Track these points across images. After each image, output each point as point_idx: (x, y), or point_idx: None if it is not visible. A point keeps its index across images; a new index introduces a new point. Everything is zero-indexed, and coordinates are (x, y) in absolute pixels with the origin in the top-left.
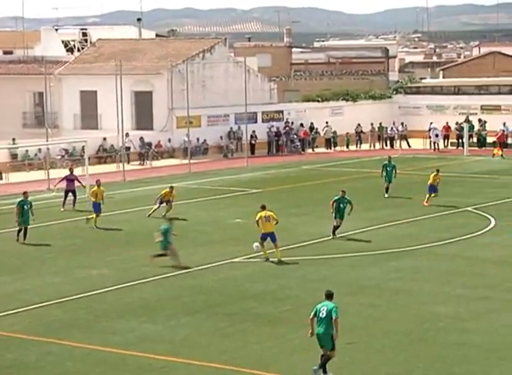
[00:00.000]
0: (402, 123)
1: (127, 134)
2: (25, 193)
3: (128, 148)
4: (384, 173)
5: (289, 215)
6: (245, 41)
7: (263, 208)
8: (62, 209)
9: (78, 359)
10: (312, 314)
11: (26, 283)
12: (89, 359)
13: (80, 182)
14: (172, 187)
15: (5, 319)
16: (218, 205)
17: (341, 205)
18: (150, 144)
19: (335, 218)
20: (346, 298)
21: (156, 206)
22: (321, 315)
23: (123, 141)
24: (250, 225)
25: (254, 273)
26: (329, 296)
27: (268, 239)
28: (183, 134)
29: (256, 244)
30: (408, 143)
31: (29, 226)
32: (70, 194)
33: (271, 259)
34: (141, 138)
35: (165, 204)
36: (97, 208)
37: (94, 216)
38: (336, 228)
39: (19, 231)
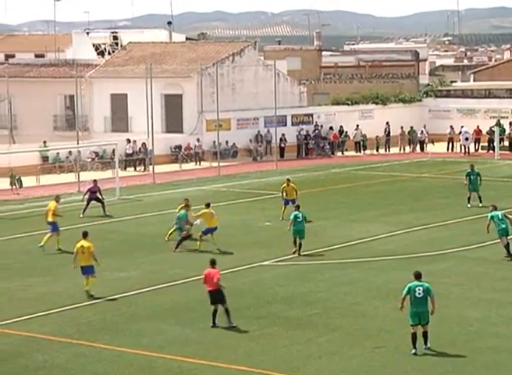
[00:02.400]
0: (451, 126)
1: (129, 140)
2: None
3: (130, 154)
4: (467, 182)
5: (318, 218)
6: (275, 44)
7: (207, 205)
8: (81, 216)
9: (107, 362)
10: (405, 293)
11: (57, 285)
12: (118, 362)
13: (100, 194)
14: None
15: (36, 321)
16: (247, 208)
17: (495, 220)
18: (180, 147)
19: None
20: (374, 302)
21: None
22: (417, 295)
23: (152, 144)
24: (279, 228)
25: (283, 276)
26: (419, 276)
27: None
28: (214, 137)
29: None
30: (453, 146)
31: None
32: (94, 201)
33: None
34: (143, 144)
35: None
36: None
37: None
38: (506, 247)
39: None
